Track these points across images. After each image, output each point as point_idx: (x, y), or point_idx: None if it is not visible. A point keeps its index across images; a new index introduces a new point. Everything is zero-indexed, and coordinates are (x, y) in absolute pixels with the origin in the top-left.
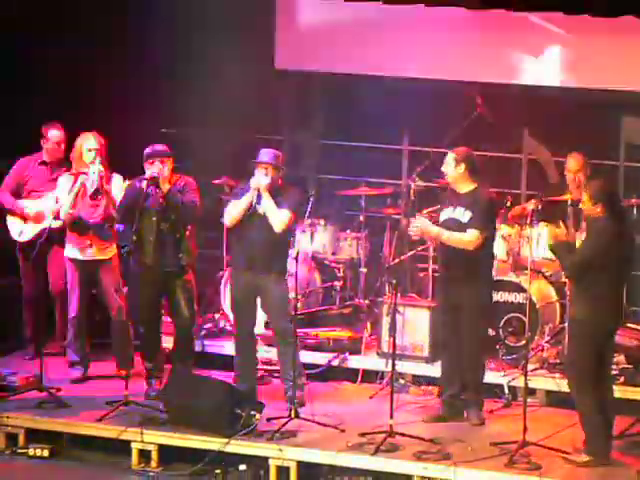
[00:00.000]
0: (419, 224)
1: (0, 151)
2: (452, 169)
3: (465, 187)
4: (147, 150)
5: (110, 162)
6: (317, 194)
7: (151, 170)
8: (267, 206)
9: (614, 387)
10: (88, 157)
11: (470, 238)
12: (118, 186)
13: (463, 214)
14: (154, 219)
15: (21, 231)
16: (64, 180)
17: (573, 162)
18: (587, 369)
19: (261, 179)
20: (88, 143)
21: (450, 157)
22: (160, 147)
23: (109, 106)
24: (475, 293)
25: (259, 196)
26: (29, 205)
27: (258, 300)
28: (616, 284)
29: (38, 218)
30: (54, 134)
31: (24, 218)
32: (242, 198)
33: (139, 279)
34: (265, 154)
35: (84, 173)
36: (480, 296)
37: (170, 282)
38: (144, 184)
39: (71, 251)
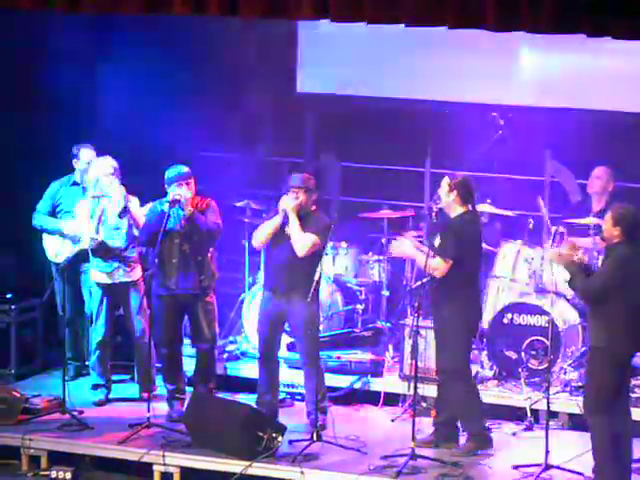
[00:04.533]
0: (399, 245)
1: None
2: (445, 195)
3: (454, 213)
4: (170, 172)
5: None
6: (338, 218)
7: (174, 192)
8: (292, 228)
9: (636, 410)
10: (106, 181)
11: (434, 265)
12: (135, 208)
13: (439, 239)
14: (177, 241)
15: (57, 252)
16: (81, 208)
17: (598, 170)
18: (602, 397)
19: (289, 201)
20: (104, 168)
21: (444, 182)
22: (183, 169)
23: (126, 129)
24: (448, 316)
25: (286, 217)
26: (65, 226)
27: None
28: (633, 311)
29: (74, 239)
30: (87, 154)
31: (61, 239)
32: (271, 219)
33: (161, 301)
34: (296, 178)
35: (102, 195)
36: (452, 320)
37: (192, 304)
38: (167, 206)
39: (99, 276)
